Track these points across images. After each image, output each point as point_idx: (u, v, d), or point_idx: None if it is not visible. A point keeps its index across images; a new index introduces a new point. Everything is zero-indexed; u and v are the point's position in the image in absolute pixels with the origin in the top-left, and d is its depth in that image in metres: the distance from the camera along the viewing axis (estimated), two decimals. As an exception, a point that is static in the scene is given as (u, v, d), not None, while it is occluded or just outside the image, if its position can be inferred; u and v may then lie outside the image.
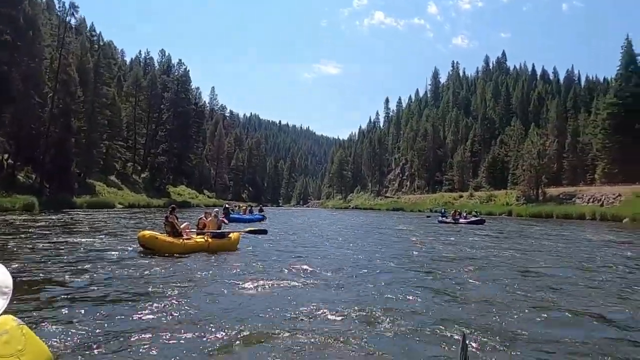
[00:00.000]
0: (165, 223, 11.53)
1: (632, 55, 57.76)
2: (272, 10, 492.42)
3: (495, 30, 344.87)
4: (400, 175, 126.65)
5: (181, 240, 11.08)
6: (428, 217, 41.51)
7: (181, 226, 11.57)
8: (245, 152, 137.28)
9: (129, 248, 11.53)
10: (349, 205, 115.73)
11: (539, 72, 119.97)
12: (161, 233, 11.30)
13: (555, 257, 12.76)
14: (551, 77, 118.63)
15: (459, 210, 34.74)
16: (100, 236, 15.16)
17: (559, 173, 65.00)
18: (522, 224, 35.16)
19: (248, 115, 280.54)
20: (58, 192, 38.07)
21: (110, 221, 24.18)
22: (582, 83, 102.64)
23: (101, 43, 72.49)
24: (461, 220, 30.79)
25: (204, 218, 12.33)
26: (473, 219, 31.21)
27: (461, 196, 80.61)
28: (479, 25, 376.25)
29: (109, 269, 8.68)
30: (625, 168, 50.64)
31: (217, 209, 13.78)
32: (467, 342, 1.94)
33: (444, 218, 32.84)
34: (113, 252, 10.82)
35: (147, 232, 11.09)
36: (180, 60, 76.89)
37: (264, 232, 14.07)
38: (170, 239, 10.97)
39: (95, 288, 6.95)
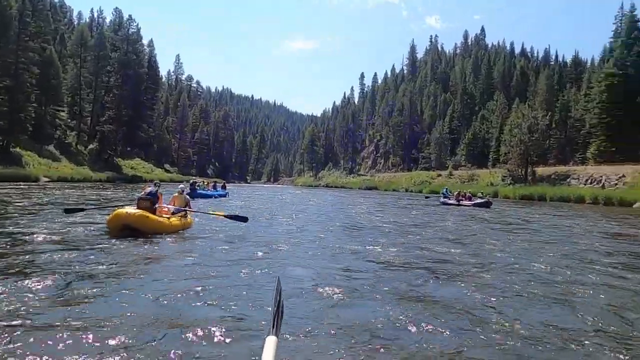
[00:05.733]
0: (144, 198, 9.60)
1: (634, 21, 52.63)
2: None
3: (469, 12, 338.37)
4: (375, 152, 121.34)
5: (168, 220, 9.82)
6: (427, 197, 36.67)
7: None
8: (212, 125, 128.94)
9: (101, 233, 9.10)
10: (320, 183, 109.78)
11: (517, 49, 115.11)
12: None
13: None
14: (529, 55, 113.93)
15: (462, 191, 30.43)
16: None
17: (546, 152, 60.17)
18: (517, 207, 29.90)
19: (220, 89, 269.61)
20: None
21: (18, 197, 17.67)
22: (559, 61, 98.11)
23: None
24: (465, 202, 27.04)
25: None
26: (479, 200, 27.05)
27: (439, 175, 75.62)
28: (452, 5, 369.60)
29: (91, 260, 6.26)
30: (625, 146, 45.85)
31: (182, 185, 12.40)
32: (281, 285, 2.02)
33: (446, 199, 29.21)
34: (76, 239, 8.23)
35: (132, 210, 9.15)
36: (130, 16, 67.74)
37: (245, 219, 10.80)
38: (160, 218, 9.60)
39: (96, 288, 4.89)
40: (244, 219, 10.78)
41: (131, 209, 9.24)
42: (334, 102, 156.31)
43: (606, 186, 39.62)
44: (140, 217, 8.89)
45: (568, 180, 45.73)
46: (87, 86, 64.89)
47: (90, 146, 65.28)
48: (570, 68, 79.53)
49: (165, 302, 4.56)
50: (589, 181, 42.62)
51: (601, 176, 41.58)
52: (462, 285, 5.91)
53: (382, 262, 7.44)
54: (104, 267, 5.99)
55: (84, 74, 63.94)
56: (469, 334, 4.09)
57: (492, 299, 5.23)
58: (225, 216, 11.07)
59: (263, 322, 3.91)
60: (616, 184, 38.85)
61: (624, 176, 38.93)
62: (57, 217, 11.61)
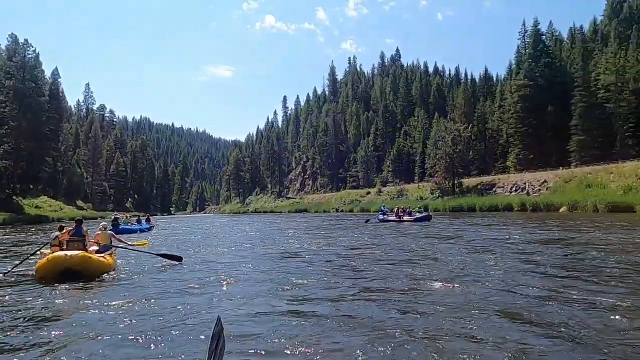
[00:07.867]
0: (74, 240, 8.93)
1: (539, 35, 55.78)
2: (160, 10, 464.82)
3: (381, 36, 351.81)
4: (302, 174, 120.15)
5: (105, 259, 9.11)
6: (367, 221, 29.21)
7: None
8: (129, 156, 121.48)
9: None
10: (248, 210, 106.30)
11: (431, 68, 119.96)
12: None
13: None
14: (442, 73, 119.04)
15: (402, 207, 29.67)
16: None
17: (469, 163, 61.72)
18: (451, 220, 29.22)
19: (138, 118, 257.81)
20: None
21: None
22: (469, 78, 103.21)
23: None
24: (406, 218, 26.49)
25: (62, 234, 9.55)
26: (419, 215, 26.80)
27: (369, 193, 75.48)
28: (365, 31, 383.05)
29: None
30: (542, 153, 47.62)
31: (104, 222, 12.10)
32: (222, 325, 1.96)
33: (385, 216, 28.23)
34: None
35: (72, 252, 8.21)
36: (26, 41, 61.35)
37: (179, 259, 10.49)
38: (101, 258, 8.95)
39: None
40: (178, 259, 10.45)
41: (70, 252, 8.38)
42: (258, 127, 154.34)
43: (530, 193, 40.52)
44: (84, 259, 8.20)
45: (494, 189, 46.60)
46: (-21, 120, 57.78)
47: (-14, 186, 57.97)
48: (481, 83, 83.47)
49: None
50: (514, 189, 43.54)
51: (525, 183, 42.61)
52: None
53: (336, 296, 6.43)
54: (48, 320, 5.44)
55: (-24, 107, 56.90)
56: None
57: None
58: (159, 255, 10.62)
59: None
60: (539, 190, 39.81)
61: (546, 182, 40.02)
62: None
